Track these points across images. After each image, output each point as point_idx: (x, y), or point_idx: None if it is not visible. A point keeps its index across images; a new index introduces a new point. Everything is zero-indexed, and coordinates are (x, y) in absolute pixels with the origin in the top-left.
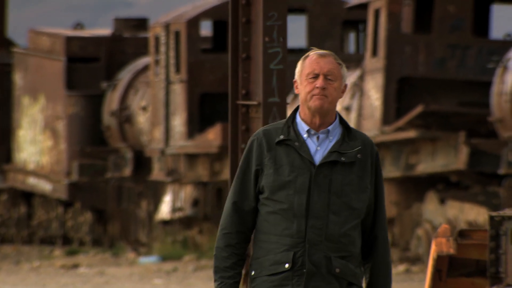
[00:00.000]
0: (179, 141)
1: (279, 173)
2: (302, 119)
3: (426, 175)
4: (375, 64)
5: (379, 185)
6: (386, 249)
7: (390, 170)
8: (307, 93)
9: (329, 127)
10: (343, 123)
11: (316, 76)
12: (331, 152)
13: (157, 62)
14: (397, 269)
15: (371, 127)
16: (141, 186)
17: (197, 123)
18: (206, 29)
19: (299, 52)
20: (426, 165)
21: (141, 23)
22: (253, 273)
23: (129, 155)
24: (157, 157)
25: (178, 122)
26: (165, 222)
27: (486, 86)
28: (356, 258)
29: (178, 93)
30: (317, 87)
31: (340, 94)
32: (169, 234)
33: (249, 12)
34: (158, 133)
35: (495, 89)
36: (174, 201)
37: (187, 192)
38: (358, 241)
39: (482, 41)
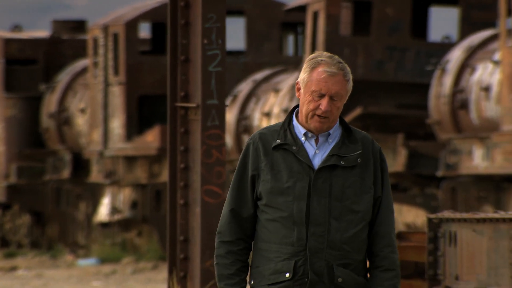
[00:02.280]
0: (118, 143)
1: (277, 179)
2: (300, 123)
3: None
4: None
5: (384, 182)
6: (390, 244)
7: None
8: (310, 110)
9: (330, 131)
10: (343, 124)
11: (321, 96)
12: (330, 155)
13: (95, 64)
14: None
15: None
16: (79, 188)
17: (136, 125)
18: (145, 31)
19: (238, 54)
20: None
21: (79, 25)
22: (252, 282)
23: (67, 157)
24: (95, 159)
25: (117, 124)
26: (103, 225)
27: (424, 88)
28: (360, 266)
29: (117, 95)
30: (321, 109)
31: (342, 107)
32: (108, 236)
33: (188, 14)
34: (97, 135)
35: (433, 91)
36: (112, 203)
37: (126, 194)
38: (363, 248)
39: (420, 43)
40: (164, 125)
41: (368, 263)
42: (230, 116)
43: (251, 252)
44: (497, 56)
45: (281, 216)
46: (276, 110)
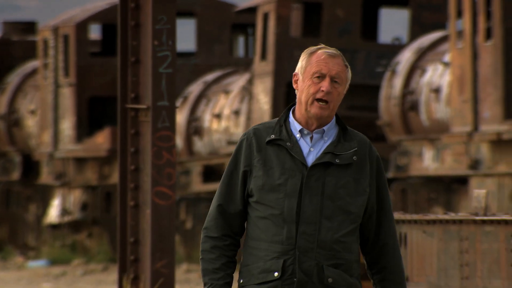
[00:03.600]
0: (68, 144)
1: (269, 175)
2: (297, 119)
3: None
4: (264, 68)
5: (382, 188)
6: (398, 256)
7: None
8: (310, 94)
9: (325, 127)
10: (339, 123)
11: (322, 76)
12: (325, 153)
13: (45, 65)
14: None
15: None
16: (29, 190)
17: (86, 127)
18: (95, 32)
19: (188, 56)
20: None
21: (29, 27)
22: (241, 281)
23: (17, 158)
24: (45, 161)
25: (67, 126)
26: (53, 226)
27: (374, 90)
28: (352, 267)
29: (67, 96)
30: (323, 90)
31: (342, 98)
32: (58, 238)
33: (138, 16)
34: (47, 136)
35: (383, 93)
36: (63, 205)
37: (76, 196)
38: (354, 248)
39: (371, 45)
40: (115, 126)
41: (373, 273)
42: (181, 117)
43: (240, 250)
44: (447, 58)
45: (271, 214)
46: (226, 111)
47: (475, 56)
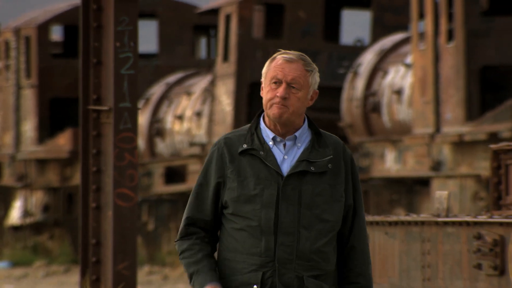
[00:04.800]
0: (30, 146)
1: (243, 186)
2: (267, 125)
3: None
4: (226, 69)
5: (356, 191)
6: (366, 261)
7: None
8: (268, 100)
9: (296, 133)
10: (312, 127)
11: (278, 82)
12: (299, 161)
13: (7, 67)
14: None
15: (223, 132)
16: None
17: (48, 128)
18: (57, 34)
19: (150, 57)
20: None
21: None
22: None
23: None
24: (7, 162)
25: (29, 127)
26: (15, 228)
27: (336, 91)
28: (331, 276)
29: (29, 98)
30: (277, 96)
31: (307, 103)
32: (20, 239)
33: (100, 17)
34: (9, 138)
35: (345, 94)
36: (24, 206)
37: (38, 198)
38: (333, 257)
39: (333, 46)
40: (76, 128)
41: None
42: (143, 119)
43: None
44: (409, 60)
45: (248, 225)
46: (188, 113)
47: (437, 57)
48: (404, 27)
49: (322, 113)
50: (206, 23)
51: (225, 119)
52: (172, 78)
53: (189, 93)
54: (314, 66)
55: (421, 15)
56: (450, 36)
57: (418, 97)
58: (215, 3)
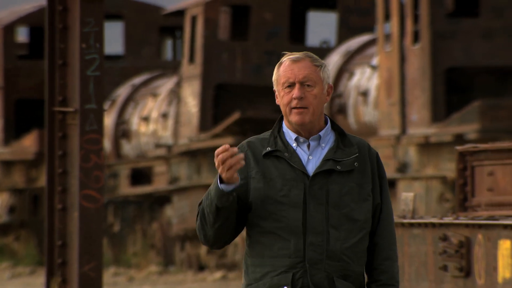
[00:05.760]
0: None
1: (270, 186)
2: (289, 128)
3: None
4: (192, 71)
5: (383, 189)
6: (390, 258)
7: (207, 177)
8: (285, 105)
9: (320, 133)
10: (335, 128)
11: (292, 85)
12: (325, 160)
13: None
14: (214, 276)
15: (188, 134)
16: None
17: (13, 130)
18: (22, 35)
19: (116, 59)
20: None
21: None
22: None
23: None
24: None
25: None
26: None
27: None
28: (359, 279)
29: None
30: (294, 98)
31: (325, 98)
32: None
33: (65, 19)
34: None
35: None
36: None
37: (3, 199)
38: (363, 258)
39: (299, 48)
40: (42, 129)
41: (366, 276)
42: (109, 120)
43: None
44: (375, 61)
45: (276, 227)
46: (154, 114)
47: (402, 59)
48: (370, 28)
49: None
50: (172, 24)
51: (191, 120)
52: (138, 80)
53: (155, 95)
54: (322, 61)
55: (387, 17)
56: (416, 37)
57: (384, 99)
58: (181, 5)
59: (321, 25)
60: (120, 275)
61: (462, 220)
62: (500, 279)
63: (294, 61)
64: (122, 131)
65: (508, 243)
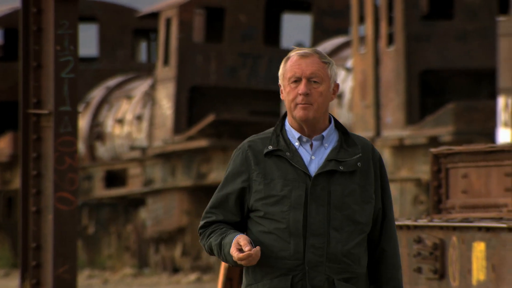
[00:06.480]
0: None
1: (270, 188)
2: (292, 126)
3: (218, 184)
4: (166, 73)
5: (385, 192)
6: (396, 264)
7: (181, 179)
8: (290, 101)
9: (323, 133)
10: (339, 127)
11: (298, 80)
12: (328, 160)
13: None
14: (188, 278)
15: (163, 136)
16: None
17: None
18: None
19: (91, 61)
20: (218, 174)
21: None
22: None
23: None
24: None
25: None
26: None
27: (277, 95)
28: (362, 280)
29: None
30: (300, 94)
31: (330, 97)
32: None
33: (40, 21)
34: None
35: None
36: None
37: None
38: (364, 260)
39: (273, 50)
40: (16, 132)
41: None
42: (83, 122)
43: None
44: (350, 63)
45: (276, 228)
46: (129, 116)
47: (377, 61)
48: (344, 31)
49: (262, 117)
50: (147, 26)
51: (165, 123)
52: (112, 82)
53: (129, 97)
54: (330, 59)
55: (362, 19)
56: (391, 40)
57: (359, 101)
58: (156, 7)
59: (295, 27)
60: (95, 277)
61: (437, 222)
62: (474, 281)
63: (302, 56)
64: (97, 134)
65: (482, 245)
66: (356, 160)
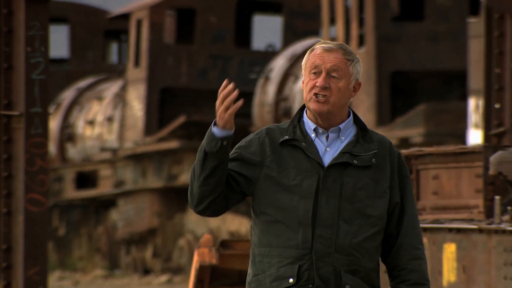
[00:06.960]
0: None
1: (283, 176)
2: (308, 118)
3: (189, 185)
4: (137, 75)
5: (405, 188)
6: (418, 257)
7: (152, 181)
8: (308, 91)
9: (340, 125)
10: (357, 122)
11: (318, 73)
12: (342, 152)
13: None
14: (159, 280)
15: (134, 137)
16: None
17: None
18: None
19: (61, 62)
20: (189, 176)
21: None
22: None
23: None
24: None
25: None
26: None
27: (248, 96)
28: (370, 276)
29: None
30: (317, 86)
31: (350, 94)
32: None
33: (10, 22)
34: None
35: (257, 99)
36: None
37: None
38: (374, 255)
39: (244, 52)
40: None
41: (392, 277)
42: (54, 124)
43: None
44: None
45: (285, 216)
46: (100, 118)
47: None
48: (315, 32)
49: (233, 118)
50: (117, 28)
51: (136, 124)
52: (83, 83)
53: (100, 98)
54: (356, 56)
55: (332, 21)
56: (361, 41)
57: None
58: (126, 8)
59: (266, 28)
60: (66, 279)
61: None
62: (445, 282)
63: (326, 50)
64: (67, 135)
65: (453, 247)
66: (371, 156)
